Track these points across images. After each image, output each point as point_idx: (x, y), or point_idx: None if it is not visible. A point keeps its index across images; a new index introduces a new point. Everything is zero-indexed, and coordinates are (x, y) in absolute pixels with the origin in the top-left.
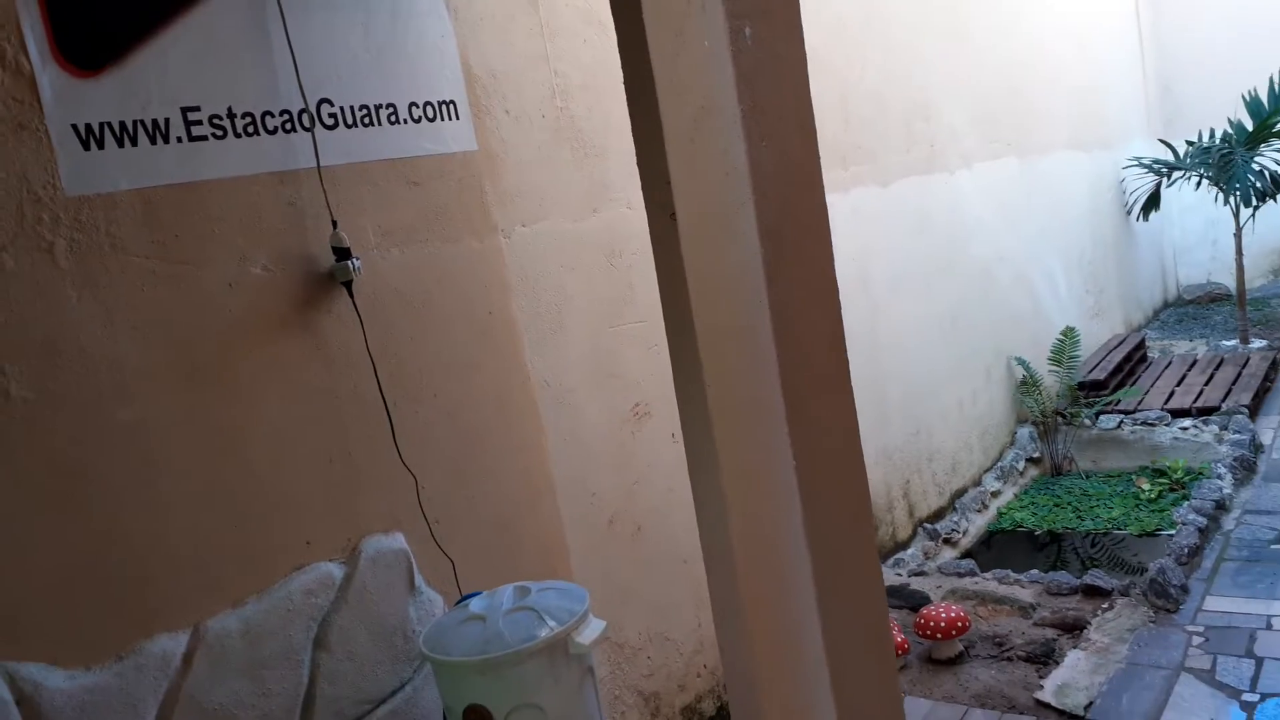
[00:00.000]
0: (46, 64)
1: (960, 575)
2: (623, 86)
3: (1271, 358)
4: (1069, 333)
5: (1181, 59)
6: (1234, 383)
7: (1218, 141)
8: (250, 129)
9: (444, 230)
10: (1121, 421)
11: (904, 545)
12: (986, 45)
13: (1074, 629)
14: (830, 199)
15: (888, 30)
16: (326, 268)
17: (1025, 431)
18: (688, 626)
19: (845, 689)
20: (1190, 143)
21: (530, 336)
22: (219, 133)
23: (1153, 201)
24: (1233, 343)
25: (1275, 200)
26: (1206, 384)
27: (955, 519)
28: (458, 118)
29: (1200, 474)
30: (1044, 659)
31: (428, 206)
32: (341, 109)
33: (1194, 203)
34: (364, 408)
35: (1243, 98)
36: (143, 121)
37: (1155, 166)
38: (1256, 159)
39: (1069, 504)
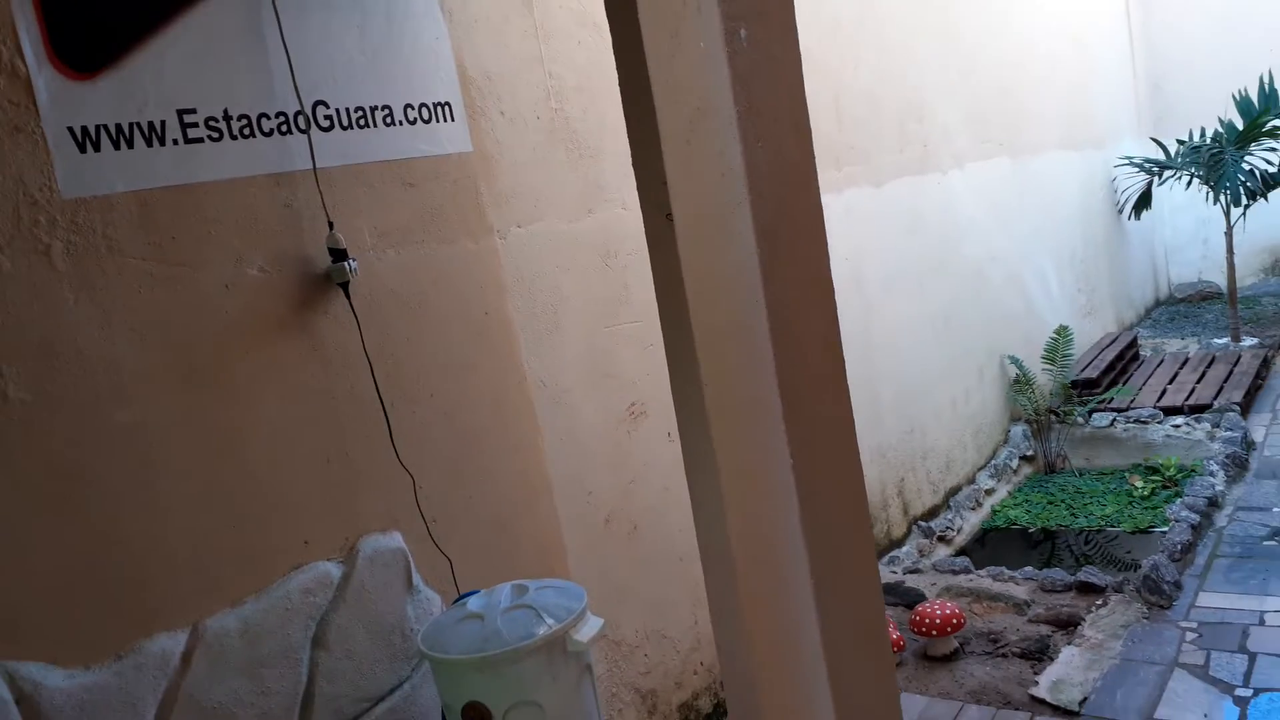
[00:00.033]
0: (42, 66)
1: (955, 573)
2: (617, 88)
3: (1263, 356)
4: (1062, 331)
5: (1172, 58)
6: (1226, 380)
7: (1208, 141)
8: (246, 131)
9: (440, 231)
10: (1114, 419)
11: (899, 543)
12: (978, 45)
13: (1068, 625)
14: (824, 199)
15: (881, 30)
16: (323, 269)
17: (1019, 430)
18: (684, 624)
19: (843, 685)
20: (1181, 142)
21: (526, 337)
22: (215, 135)
23: (1144, 200)
24: (1224, 341)
25: (1266, 199)
26: (1198, 382)
27: (950, 517)
28: (453, 119)
29: (1193, 471)
30: (1039, 655)
31: (423, 208)
32: (337, 111)
33: (1185, 202)
34: (361, 408)
35: (1233, 97)
36: (139, 124)
37: (1147, 166)
38: (1247, 158)
39: (1063, 501)
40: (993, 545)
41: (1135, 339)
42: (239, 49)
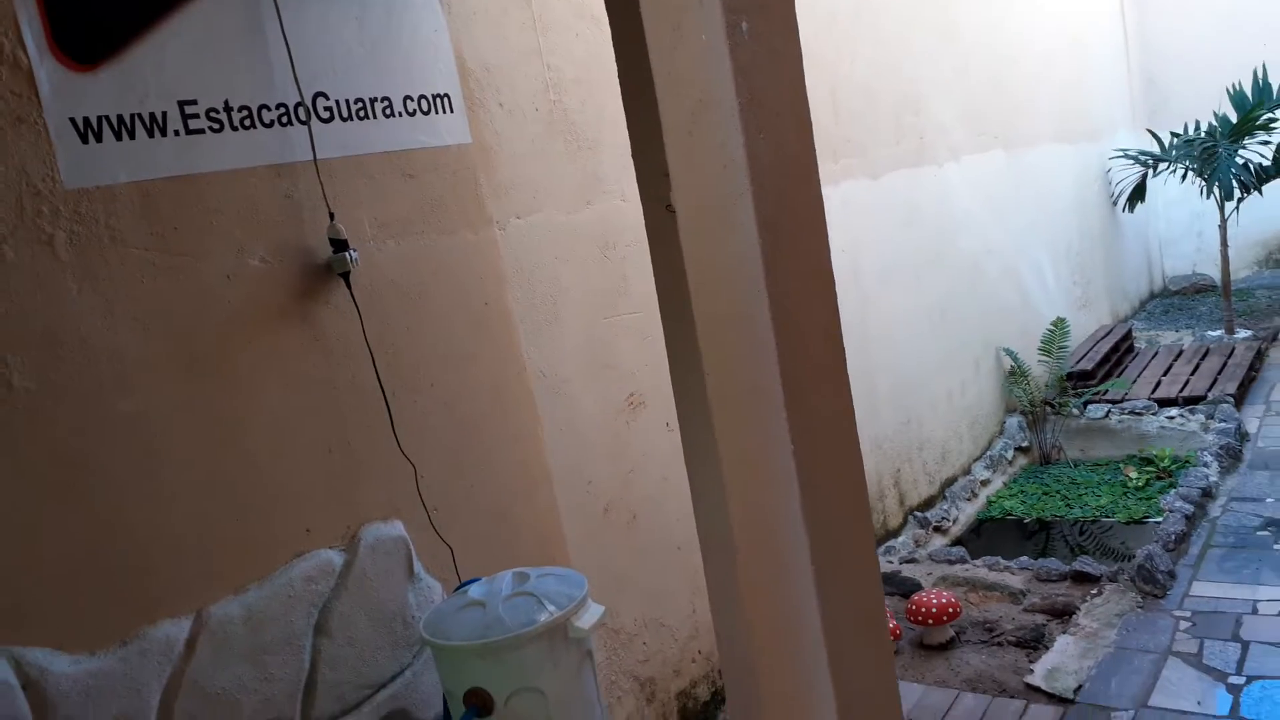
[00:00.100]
0: (44, 58)
1: (951, 562)
2: (616, 80)
3: (1256, 348)
4: (1059, 323)
5: (1166, 52)
6: (1219, 372)
7: (1202, 134)
8: (247, 122)
9: (440, 222)
10: (1109, 411)
11: (895, 533)
12: (974, 38)
13: (1063, 614)
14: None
15: (877, 23)
16: (324, 259)
17: (1014, 421)
18: (683, 613)
19: (843, 672)
20: (1176, 135)
21: (526, 327)
22: (216, 126)
23: (1138, 193)
24: (1218, 333)
25: (1260, 192)
26: (1192, 374)
27: (945, 507)
28: (452, 111)
29: (1187, 462)
30: (1034, 644)
31: (423, 199)
32: (337, 102)
33: (1179, 195)
34: (362, 398)
35: (1227, 91)
36: (140, 115)
37: (1141, 158)
38: (1240, 152)
39: (1058, 492)
40: (988, 535)
41: (1130, 331)
42: (239, 40)
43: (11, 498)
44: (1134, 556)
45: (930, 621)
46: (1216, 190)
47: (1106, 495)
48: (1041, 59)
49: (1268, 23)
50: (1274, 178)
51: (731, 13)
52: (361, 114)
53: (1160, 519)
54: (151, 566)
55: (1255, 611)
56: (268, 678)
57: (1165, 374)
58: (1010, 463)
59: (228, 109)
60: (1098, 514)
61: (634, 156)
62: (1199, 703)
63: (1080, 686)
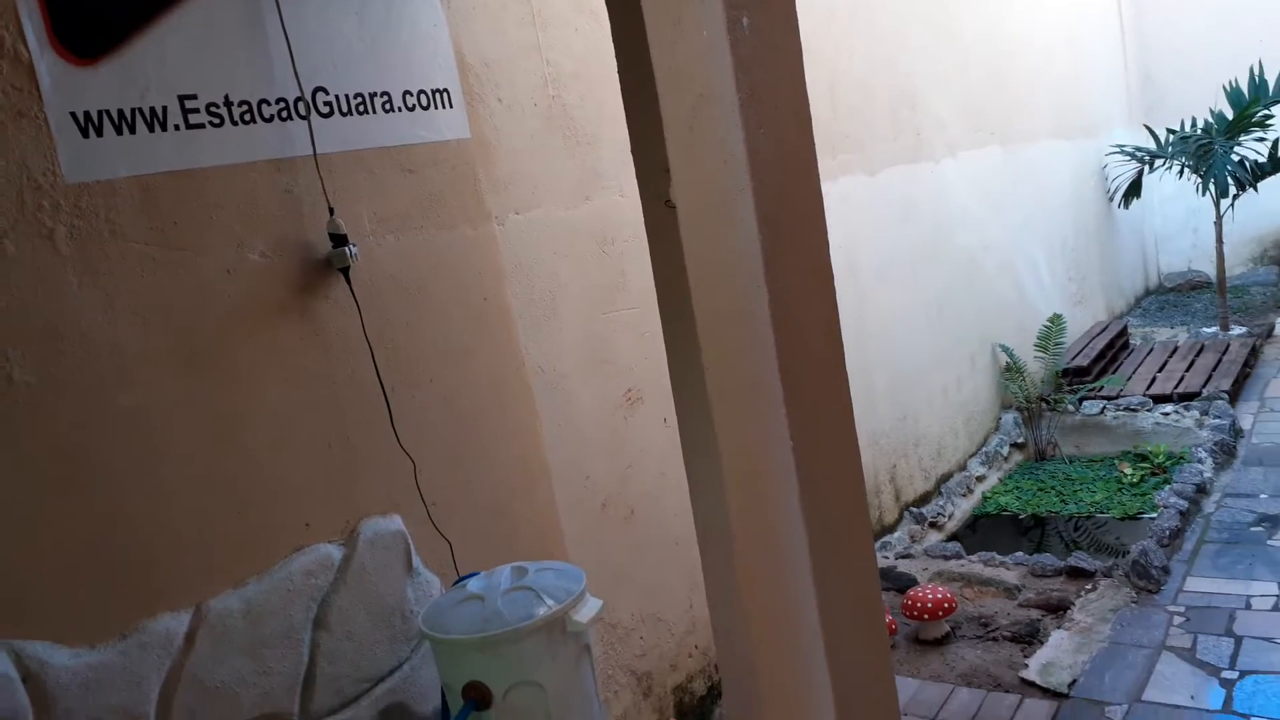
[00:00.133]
0: (45, 52)
1: (946, 558)
2: (615, 75)
3: (1251, 344)
4: (1055, 319)
5: (1163, 49)
6: (1214, 369)
7: (1198, 131)
8: (247, 117)
9: (439, 217)
10: (1104, 407)
11: (891, 529)
12: (971, 34)
13: (1058, 609)
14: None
15: (875, 19)
16: (324, 254)
17: (1010, 417)
18: (679, 608)
19: (841, 666)
20: (1172, 131)
21: (524, 323)
22: (216, 120)
23: (1134, 189)
24: (1213, 330)
25: (1255, 189)
26: (1187, 370)
27: (941, 503)
28: (451, 106)
29: (1181, 458)
30: (1029, 639)
31: (422, 194)
32: (337, 97)
33: (1175, 191)
34: (361, 392)
35: (1223, 88)
36: (141, 109)
37: (1138, 154)
38: (1236, 148)
39: (1053, 488)
40: (984, 531)
41: (1125, 328)
42: (239, 35)
43: (12, 492)
44: (1128, 552)
45: (926, 617)
46: (1212, 187)
47: (1101, 491)
48: (1039, 55)
49: (1264, 19)
50: (1269, 175)
51: (732, 8)
52: (361, 109)
53: (1155, 515)
54: (151, 560)
55: (1249, 607)
56: (266, 671)
57: (1160, 370)
58: (1006, 459)
59: (228, 104)
60: (1093, 510)
61: (633, 152)
62: (1192, 697)
63: (1075, 681)
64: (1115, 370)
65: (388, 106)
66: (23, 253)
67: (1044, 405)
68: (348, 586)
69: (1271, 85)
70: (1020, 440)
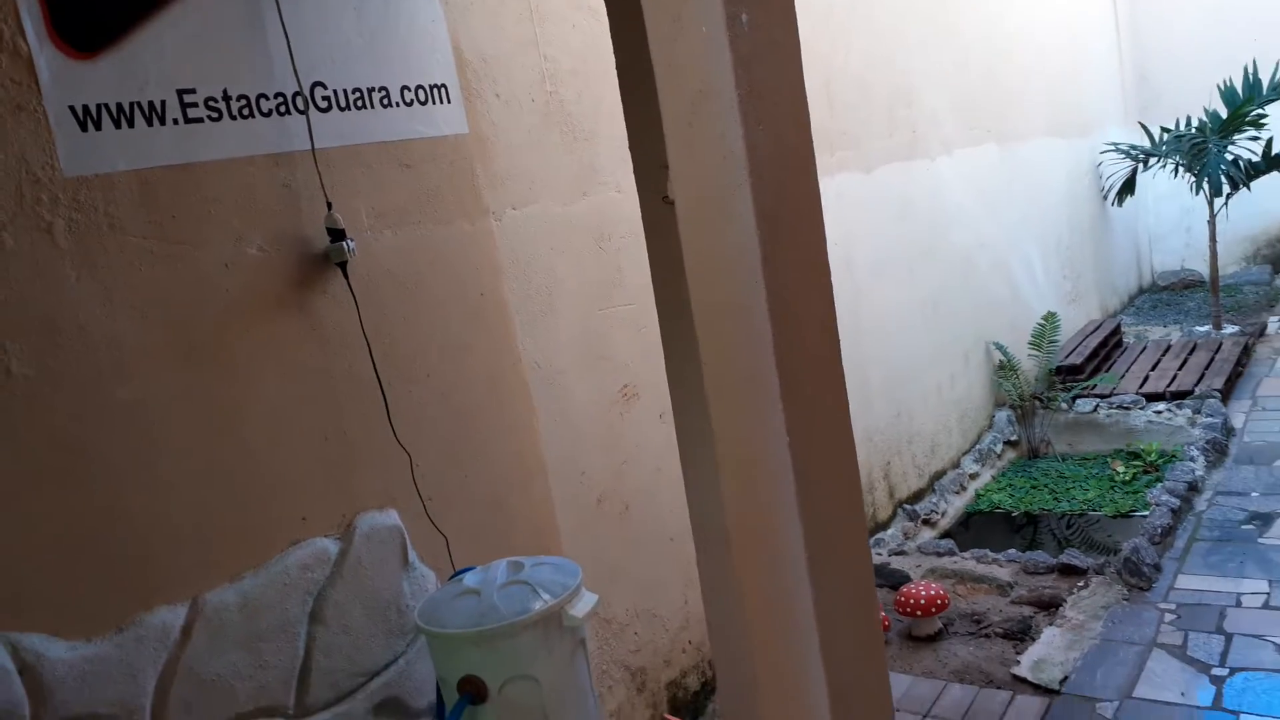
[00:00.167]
0: (44, 45)
1: (939, 555)
2: (612, 71)
3: (1243, 343)
4: (1050, 318)
5: (1158, 48)
6: (1207, 367)
7: (1193, 130)
8: (245, 111)
9: (436, 212)
10: (1097, 405)
11: (884, 526)
12: (968, 32)
13: (1050, 606)
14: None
15: (872, 16)
16: (321, 249)
17: (1003, 415)
18: (674, 604)
19: (835, 661)
20: (1166, 130)
21: (521, 318)
22: (215, 115)
23: (1128, 187)
24: (1206, 328)
25: (1248, 188)
26: (1180, 369)
27: (934, 500)
28: (449, 101)
29: (1173, 456)
30: (1021, 635)
31: (420, 189)
32: (335, 92)
33: (1169, 190)
34: (358, 387)
35: (1218, 87)
36: (139, 103)
37: (1132, 153)
38: (1230, 147)
39: (1045, 486)
40: (976, 528)
41: (1119, 326)
42: (238, 30)
43: (9, 484)
44: (1120, 550)
45: (919, 613)
46: (1206, 186)
47: (1094, 489)
48: (1035, 53)
49: (1259, 18)
50: (1263, 174)
51: (732, 4)
52: (359, 104)
53: (1147, 513)
54: (148, 553)
55: (1239, 604)
56: (263, 665)
57: (1153, 369)
58: (999, 456)
59: (226, 98)
60: (1085, 508)
61: (631, 148)
62: (1183, 694)
63: (1066, 678)
64: (1108, 368)
65: (386, 102)
66: (21, 246)
67: (1037, 403)
68: (344, 580)
69: (1265, 84)
70: (1013, 438)
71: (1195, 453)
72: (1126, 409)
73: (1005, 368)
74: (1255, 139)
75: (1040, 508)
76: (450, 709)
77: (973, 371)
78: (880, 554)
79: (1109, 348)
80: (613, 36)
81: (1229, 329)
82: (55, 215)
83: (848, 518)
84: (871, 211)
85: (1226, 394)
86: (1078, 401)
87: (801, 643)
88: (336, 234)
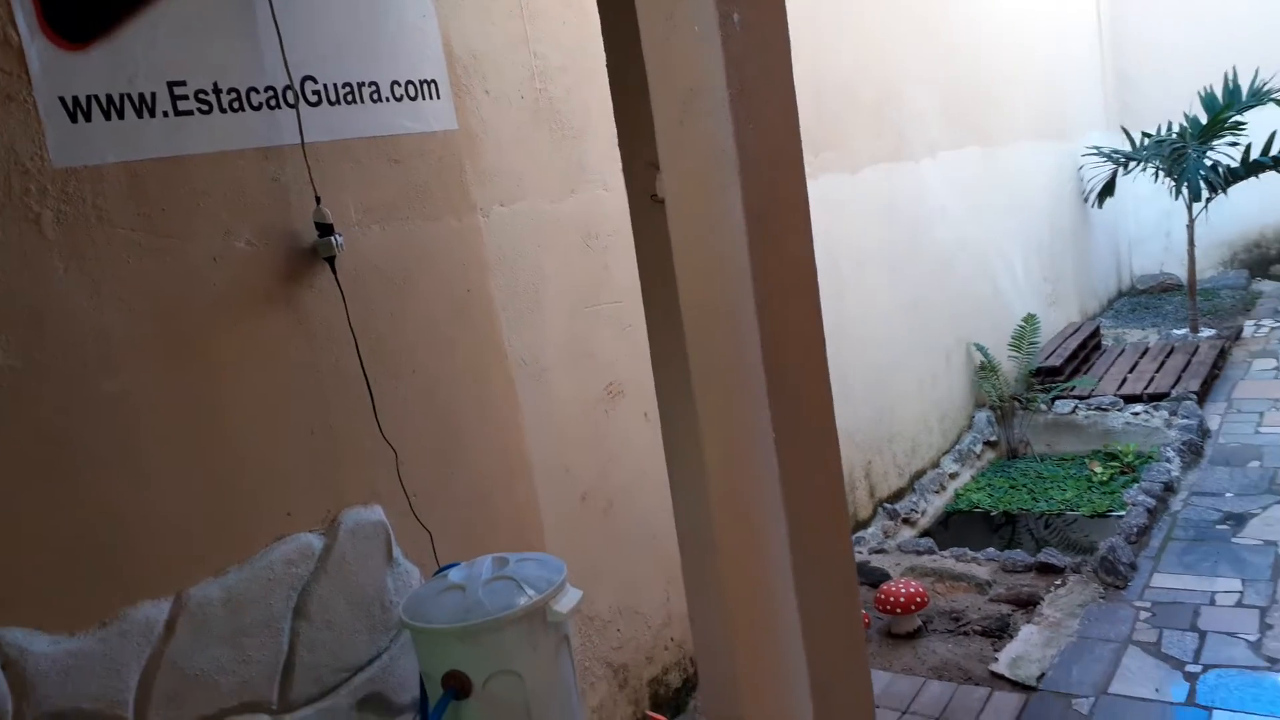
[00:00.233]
0: (35, 36)
1: (919, 553)
2: (602, 69)
3: (1220, 346)
4: (1030, 320)
5: (1140, 54)
6: (1184, 370)
7: (1173, 135)
8: (235, 104)
9: (424, 208)
10: (1076, 406)
11: (865, 524)
12: (953, 36)
13: (1028, 604)
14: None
15: (858, 19)
16: (309, 243)
17: (983, 415)
18: (656, 601)
19: (818, 658)
20: (1147, 135)
21: (507, 315)
22: (205, 108)
23: (1108, 189)
24: (1183, 331)
25: (1225, 194)
26: (1157, 371)
27: (914, 499)
28: (439, 97)
29: (1150, 457)
30: (999, 633)
31: (408, 184)
32: (325, 86)
33: (1149, 194)
34: (345, 382)
35: (1198, 93)
36: (129, 95)
37: (1114, 156)
38: (1209, 153)
39: (1024, 486)
40: (956, 527)
41: (1098, 328)
42: (229, 23)
43: None
44: (1097, 549)
45: (898, 611)
46: (1185, 190)
47: (1072, 489)
48: (1019, 58)
49: (1239, 26)
50: (1241, 179)
51: (724, 4)
52: (349, 98)
53: (1123, 513)
54: (132, 547)
55: (1213, 602)
56: (246, 660)
57: (1131, 371)
58: (978, 456)
59: (217, 91)
60: (1063, 507)
61: (621, 146)
62: (1157, 690)
63: (1043, 674)
64: (1087, 370)
65: (375, 96)
66: (9, 236)
67: (1017, 404)
68: (328, 576)
69: (1245, 91)
70: (993, 438)
71: (1171, 454)
72: (1104, 410)
73: (985, 369)
74: (1234, 145)
75: (1019, 507)
76: (434, 704)
77: (953, 372)
78: (861, 552)
79: (1088, 350)
80: (604, 35)
81: (1206, 332)
82: (44, 206)
83: (831, 516)
84: (856, 212)
85: (1202, 396)
86: (1057, 403)
87: (784, 640)
88: (325, 229)
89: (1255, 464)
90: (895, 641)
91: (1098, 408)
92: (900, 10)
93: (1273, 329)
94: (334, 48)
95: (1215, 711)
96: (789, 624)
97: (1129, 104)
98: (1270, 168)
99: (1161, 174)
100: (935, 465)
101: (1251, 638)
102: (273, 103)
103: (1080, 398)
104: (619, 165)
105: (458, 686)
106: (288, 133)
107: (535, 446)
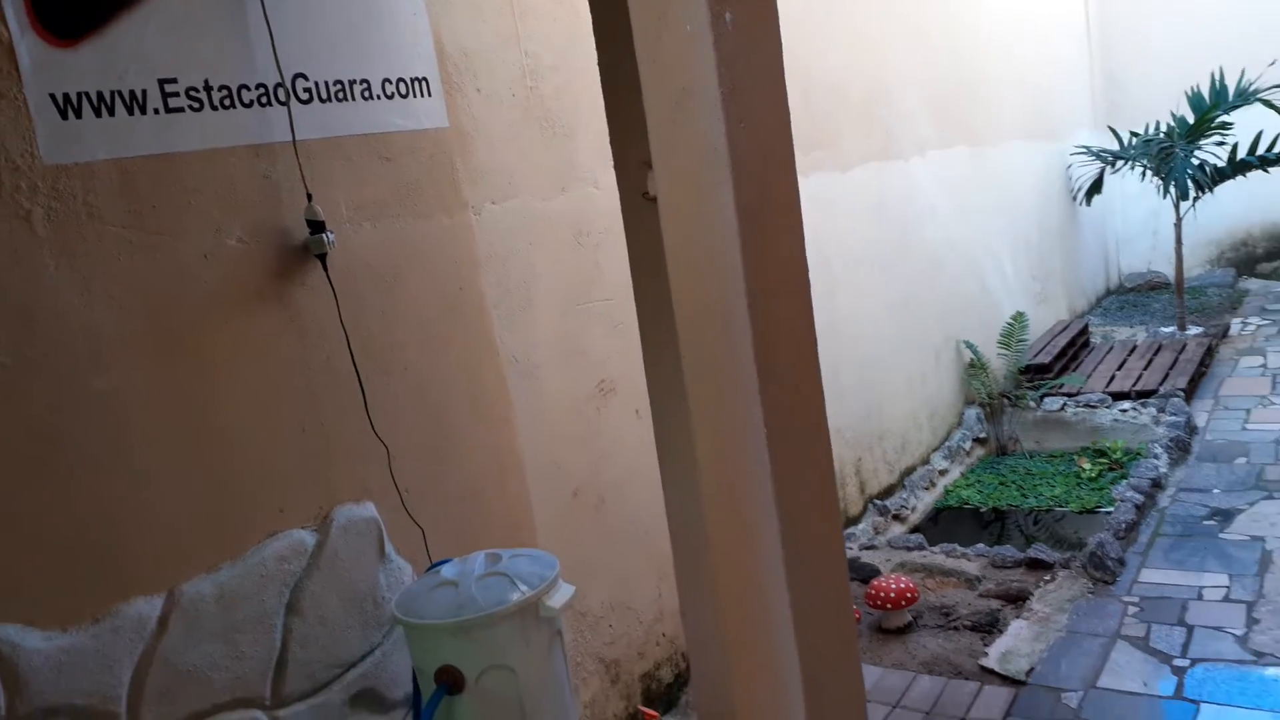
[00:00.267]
0: (25, 33)
1: (909, 549)
2: (592, 67)
3: (1207, 344)
4: (1019, 317)
5: (1128, 54)
6: (1171, 367)
7: (1160, 134)
8: (226, 102)
9: (415, 206)
10: (1065, 404)
11: (855, 521)
12: (943, 36)
13: (1017, 600)
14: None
15: (849, 18)
16: (301, 240)
17: (972, 413)
18: (648, 597)
19: (811, 652)
20: (1135, 134)
21: (499, 313)
22: (195, 105)
23: (1096, 186)
24: (1171, 329)
25: (1213, 192)
26: (1145, 368)
27: (904, 496)
28: (430, 95)
29: (1138, 454)
30: (988, 628)
31: (400, 182)
32: (316, 84)
33: (1137, 193)
34: (336, 379)
35: (1185, 93)
36: (120, 92)
37: (1102, 155)
38: (1196, 152)
39: (1013, 482)
40: (945, 524)
41: (1086, 326)
42: (220, 20)
43: None
44: (1086, 545)
45: (889, 606)
46: (1172, 189)
47: (1060, 486)
48: (1008, 58)
49: (1227, 26)
50: (1228, 178)
51: (716, 3)
52: (340, 96)
53: (1112, 509)
54: (125, 544)
55: (1200, 597)
56: (239, 656)
57: (1119, 368)
58: (968, 453)
59: (208, 88)
60: (1052, 504)
61: (613, 145)
62: (1145, 684)
63: (1032, 669)
64: (1076, 368)
65: (367, 94)
66: None
67: (1006, 401)
68: (320, 572)
69: (1232, 91)
70: (982, 435)
71: (1159, 450)
72: (1093, 407)
73: (975, 366)
74: (1221, 144)
75: (1008, 504)
76: (427, 699)
77: (943, 370)
78: (851, 548)
79: (1076, 347)
80: (595, 33)
81: (1193, 330)
82: (34, 203)
83: (823, 512)
84: (846, 211)
85: (1190, 393)
86: (1045, 400)
87: (777, 635)
88: (316, 226)
89: (1242, 460)
90: (886, 637)
91: (1086, 405)
92: (890, 12)
93: (1259, 327)
94: (325, 45)
95: (1203, 705)
96: (781, 619)
97: (1117, 104)
98: (1256, 167)
99: (1149, 173)
100: (925, 462)
101: (1238, 632)
102: (264, 100)
103: (1069, 395)
104: (610, 163)
105: (451, 681)
106: (279, 130)
107: (527, 443)
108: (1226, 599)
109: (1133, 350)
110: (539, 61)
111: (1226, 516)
